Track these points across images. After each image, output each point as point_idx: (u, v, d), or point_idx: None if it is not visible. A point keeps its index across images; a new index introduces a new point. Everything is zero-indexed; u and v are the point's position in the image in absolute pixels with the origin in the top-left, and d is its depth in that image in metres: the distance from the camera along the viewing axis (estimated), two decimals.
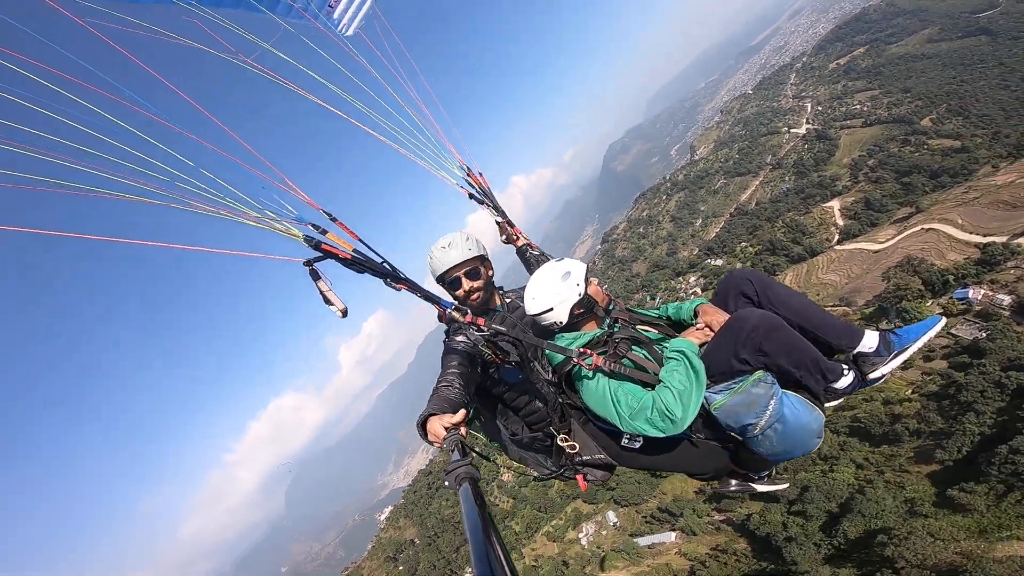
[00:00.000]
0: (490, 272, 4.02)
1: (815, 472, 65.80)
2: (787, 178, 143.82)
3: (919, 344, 3.32)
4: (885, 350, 3.30)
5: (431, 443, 2.67)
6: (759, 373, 3.04)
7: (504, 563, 1.35)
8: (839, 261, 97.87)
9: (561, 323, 3.57)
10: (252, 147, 3.16)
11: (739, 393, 3.02)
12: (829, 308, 76.82)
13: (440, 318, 3.43)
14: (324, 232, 3.19)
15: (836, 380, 3.22)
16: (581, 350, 3.24)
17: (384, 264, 3.22)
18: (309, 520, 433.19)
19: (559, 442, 3.59)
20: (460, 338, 3.57)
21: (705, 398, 3.09)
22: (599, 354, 3.21)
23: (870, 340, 3.33)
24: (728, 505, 70.08)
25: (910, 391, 67.39)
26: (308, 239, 3.06)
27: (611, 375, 3.20)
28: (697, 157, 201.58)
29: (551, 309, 3.52)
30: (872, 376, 3.33)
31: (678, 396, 2.98)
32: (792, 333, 3.11)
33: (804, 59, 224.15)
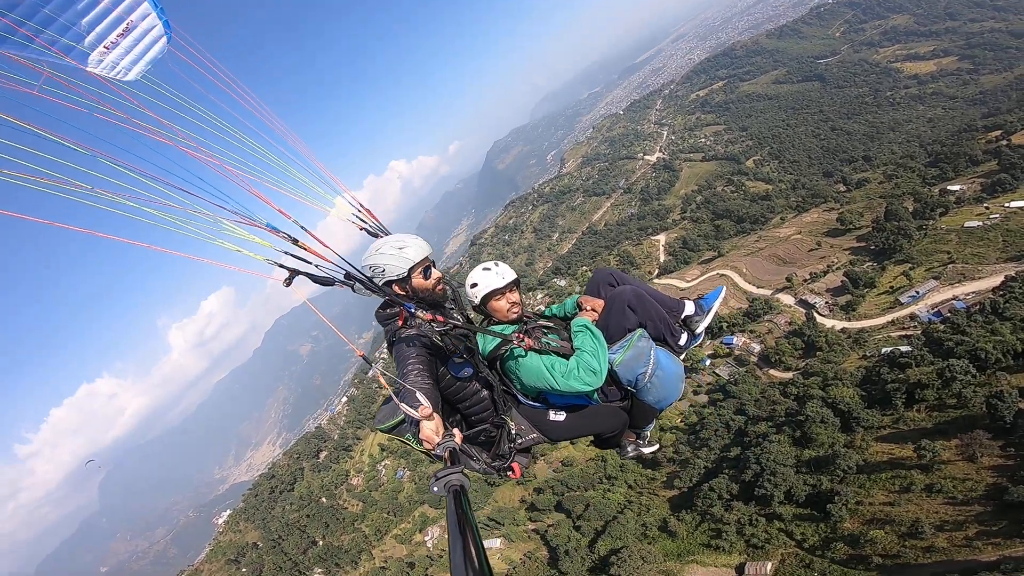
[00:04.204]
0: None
1: (600, 490, 73.04)
2: (633, 203, 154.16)
3: (717, 304, 4.62)
4: (700, 311, 4.56)
5: (422, 446, 2.76)
6: (640, 330, 4.11)
7: (485, 572, 1.45)
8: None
9: (474, 301, 4.36)
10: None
11: (631, 348, 4.01)
12: None
13: (385, 317, 3.93)
14: (296, 241, 3.28)
15: (679, 338, 4.39)
16: (517, 335, 3.96)
17: (353, 272, 3.53)
18: (131, 516, 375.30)
19: (510, 423, 4.13)
20: (413, 332, 3.75)
21: (609, 360, 3.96)
22: (526, 337, 3.99)
23: (690, 307, 4.57)
24: (538, 516, 75.96)
25: (680, 420, 76.19)
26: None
27: (539, 352, 3.97)
28: (564, 171, 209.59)
29: (475, 285, 4.30)
30: (698, 331, 4.58)
31: (593, 354, 3.84)
32: (650, 299, 4.27)
33: (672, 86, 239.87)
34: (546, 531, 70.76)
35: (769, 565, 45.81)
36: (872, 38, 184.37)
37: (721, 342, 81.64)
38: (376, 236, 4.57)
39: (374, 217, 4.63)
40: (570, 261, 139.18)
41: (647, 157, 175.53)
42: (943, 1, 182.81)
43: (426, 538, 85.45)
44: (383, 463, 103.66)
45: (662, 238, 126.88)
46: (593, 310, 4.40)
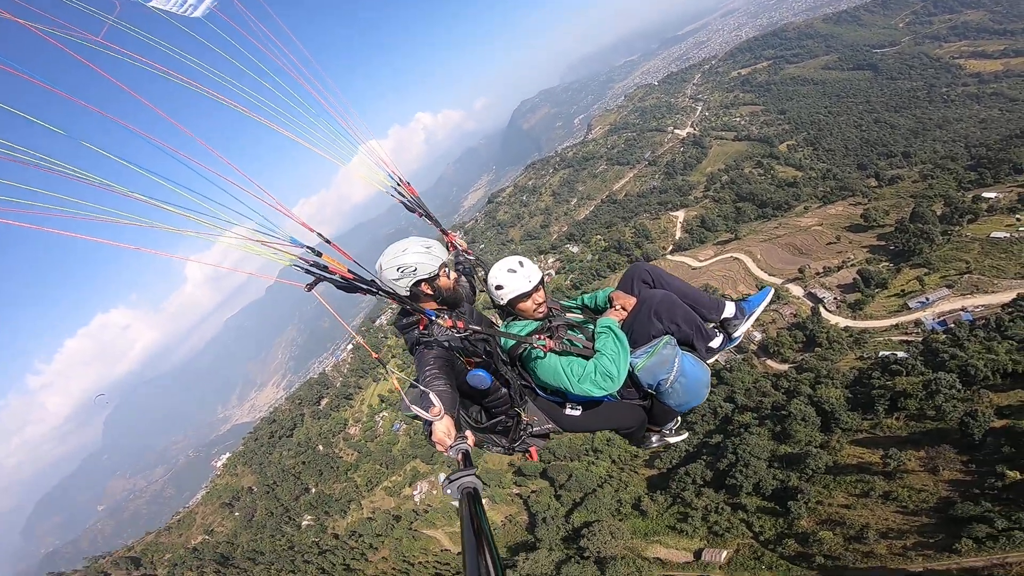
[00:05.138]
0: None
1: (584, 462, 74.23)
2: (656, 176, 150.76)
3: (760, 309, 4.49)
4: (741, 315, 4.44)
5: (435, 446, 2.92)
6: (666, 337, 4.00)
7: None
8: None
9: (501, 301, 4.19)
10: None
11: (654, 355, 3.93)
12: None
13: (404, 325, 3.86)
14: (320, 255, 3.29)
15: (711, 340, 4.29)
16: (538, 336, 3.98)
17: (375, 283, 3.49)
18: (133, 454, 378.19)
19: (523, 416, 4.25)
20: (432, 339, 3.75)
21: (630, 364, 3.92)
22: (548, 337, 3.96)
23: (730, 309, 4.44)
24: (523, 481, 77.85)
25: None
26: (311, 264, 3.21)
27: (559, 353, 3.92)
28: (590, 137, 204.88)
29: (500, 288, 4.13)
30: (735, 335, 4.46)
31: (612, 359, 3.77)
32: (682, 304, 4.15)
33: (714, 62, 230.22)
34: (529, 496, 72.72)
35: (724, 553, 46.97)
36: (939, 31, 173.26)
37: None
38: (413, 211, 4.68)
39: (414, 192, 4.63)
40: (585, 228, 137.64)
41: (677, 131, 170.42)
42: None
43: (415, 492, 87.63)
44: (381, 414, 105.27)
45: (681, 215, 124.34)
46: (623, 308, 4.28)
